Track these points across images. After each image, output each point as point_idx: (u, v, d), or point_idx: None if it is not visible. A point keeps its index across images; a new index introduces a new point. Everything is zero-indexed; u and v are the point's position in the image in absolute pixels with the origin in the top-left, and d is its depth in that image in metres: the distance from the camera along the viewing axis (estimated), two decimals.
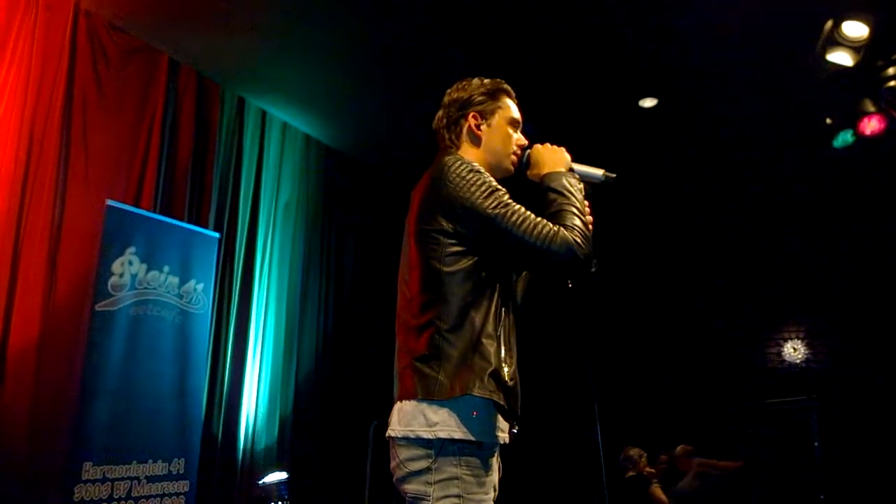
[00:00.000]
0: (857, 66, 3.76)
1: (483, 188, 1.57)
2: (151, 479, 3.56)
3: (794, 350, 6.42)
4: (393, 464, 1.56)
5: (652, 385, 6.77)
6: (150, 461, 3.58)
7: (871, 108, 3.97)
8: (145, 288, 3.77)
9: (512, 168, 1.81)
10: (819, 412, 5.05)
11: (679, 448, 5.53)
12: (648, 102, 4.99)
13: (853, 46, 3.74)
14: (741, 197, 6.37)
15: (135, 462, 3.50)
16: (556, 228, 1.54)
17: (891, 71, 3.97)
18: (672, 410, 6.60)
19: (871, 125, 4.00)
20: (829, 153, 4.37)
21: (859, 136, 4.10)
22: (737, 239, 6.71)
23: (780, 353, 6.49)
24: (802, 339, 6.42)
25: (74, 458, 3.27)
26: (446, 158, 1.64)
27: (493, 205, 1.55)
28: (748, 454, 5.65)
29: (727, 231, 6.72)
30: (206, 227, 4.41)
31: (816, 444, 5.07)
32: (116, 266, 3.63)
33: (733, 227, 6.68)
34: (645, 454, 5.33)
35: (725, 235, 6.75)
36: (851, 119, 4.09)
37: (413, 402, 1.52)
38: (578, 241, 1.54)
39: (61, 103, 3.82)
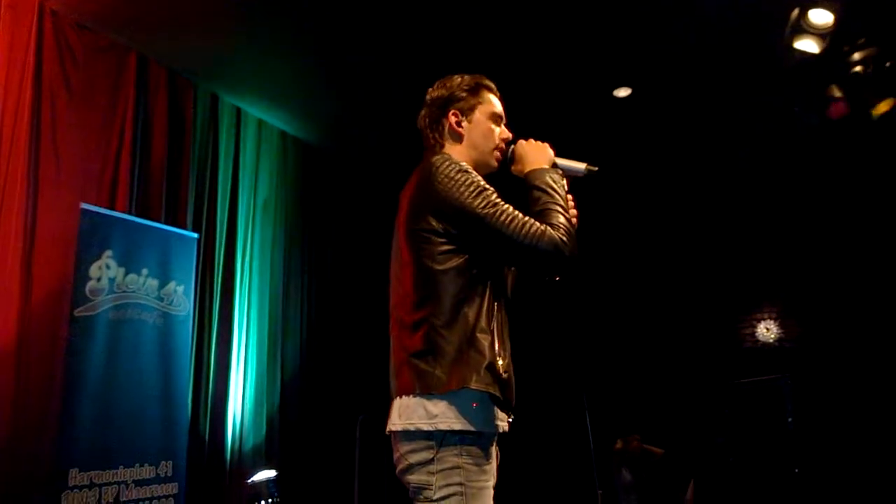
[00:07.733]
0: (823, 52, 3.87)
1: (472, 188, 1.60)
2: (140, 483, 3.54)
3: (766, 330, 6.59)
4: (395, 456, 1.59)
5: (629, 368, 6.90)
6: (137, 465, 3.55)
7: (838, 94, 4.08)
8: (124, 291, 3.72)
9: (496, 163, 1.82)
10: (792, 389, 5.22)
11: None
12: (623, 92, 5.04)
13: (819, 34, 3.83)
14: (715, 182, 6.50)
15: (122, 466, 3.47)
16: (542, 227, 1.56)
17: (856, 56, 4.08)
18: (649, 392, 6.74)
19: (839, 110, 4.11)
20: (799, 138, 4.49)
21: (827, 121, 4.22)
22: (710, 222, 6.85)
23: (753, 334, 6.66)
24: (775, 319, 6.59)
25: (60, 464, 3.23)
26: (434, 159, 1.66)
27: (482, 204, 1.58)
28: (725, 432, 5.82)
29: (700, 214, 6.85)
30: (183, 227, 4.35)
31: (790, 419, 5.24)
32: (94, 270, 3.58)
33: (707, 210, 6.81)
34: None
35: (699, 218, 6.88)
36: (819, 105, 4.20)
37: (412, 397, 1.54)
38: (564, 239, 1.57)
39: (29, 105, 3.72)
